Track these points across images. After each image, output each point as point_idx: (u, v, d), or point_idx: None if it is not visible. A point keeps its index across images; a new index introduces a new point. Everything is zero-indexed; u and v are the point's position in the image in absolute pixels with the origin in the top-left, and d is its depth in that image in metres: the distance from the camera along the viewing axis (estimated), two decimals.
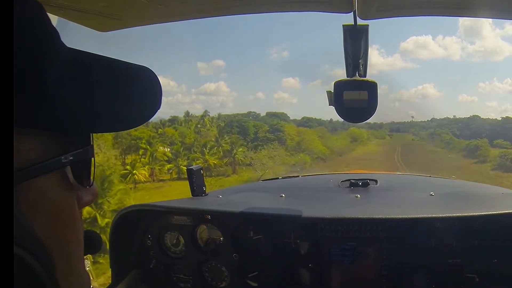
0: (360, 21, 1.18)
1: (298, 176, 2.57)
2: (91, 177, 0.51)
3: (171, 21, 1.12)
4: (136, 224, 1.70)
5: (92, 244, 0.56)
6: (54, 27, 0.43)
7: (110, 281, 1.70)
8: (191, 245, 1.67)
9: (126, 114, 0.49)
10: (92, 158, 0.50)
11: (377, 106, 1.33)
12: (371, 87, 1.34)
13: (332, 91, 1.35)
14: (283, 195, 1.81)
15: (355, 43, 1.24)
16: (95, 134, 0.51)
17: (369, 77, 1.37)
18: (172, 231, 1.71)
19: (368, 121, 1.38)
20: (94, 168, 0.51)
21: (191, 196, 1.86)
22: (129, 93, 0.49)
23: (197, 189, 1.85)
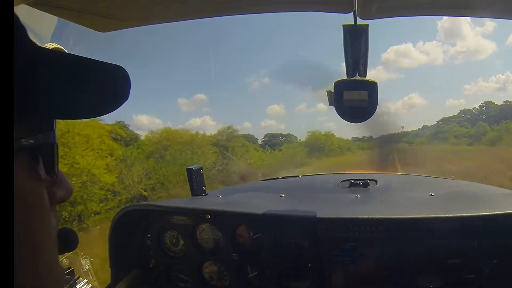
0: (360, 21, 1.18)
1: (298, 176, 2.57)
2: (56, 166, 0.50)
3: (171, 21, 1.12)
4: (135, 223, 1.71)
5: (68, 242, 0.55)
6: (22, 25, 0.43)
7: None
8: (190, 245, 1.67)
9: (90, 103, 0.49)
10: (55, 145, 0.50)
11: (376, 108, 1.33)
12: (371, 87, 1.34)
13: (332, 91, 1.36)
14: (283, 195, 1.82)
15: (355, 43, 1.24)
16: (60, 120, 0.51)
17: None
18: (172, 230, 1.71)
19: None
20: (58, 156, 0.50)
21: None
22: (95, 83, 0.49)
23: (196, 189, 1.85)
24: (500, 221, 1.39)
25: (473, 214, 1.37)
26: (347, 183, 1.98)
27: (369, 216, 1.45)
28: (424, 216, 1.41)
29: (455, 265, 1.44)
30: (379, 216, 1.44)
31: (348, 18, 1.16)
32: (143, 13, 1.03)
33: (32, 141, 0.44)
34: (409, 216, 1.42)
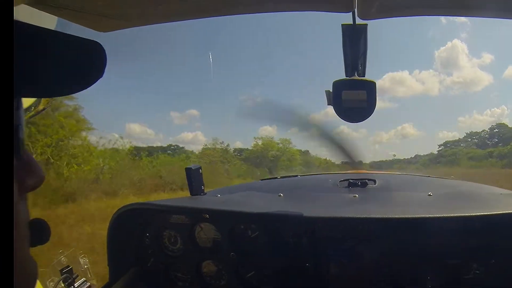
0: (359, 21, 1.18)
1: (296, 175, 2.57)
2: (21, 149, 0.46)
3: (171, 21, 1.11)
4: (134, 222, 1.71)
5: (39, 234, 0.51)
6: None
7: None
8: (189, 244, 1.67)
9: (62, 79, 0.47)
10: (20, 126, 0.45)
11: (375, 108, 1.33)
12: (370, 87, 1.34)
13: (331, 91, 1.35)
14: (282, 195, 1.82)
15: (354, 43, 1.24)
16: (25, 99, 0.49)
17: None
18: (170, 230, 1.71)
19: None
20: (23, 138, 0.46)
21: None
22: (67, 58, 0.47)
23: (195, 188, 1.86)
24: (498, 221, 1.40)
25: (472, 214, 1.37)
26: (346, 183, 1.98)
27: (367, 216, 1.45)
28: (422, 216, 1.41)
29: (453, 265, 1.45)
30: (377, 216, 1.44)
31: (347, 18, 1.16)
32: (144, 13, 1.03)
33: None
34: (407, 216, 1.42)
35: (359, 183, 1.94)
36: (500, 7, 1.17)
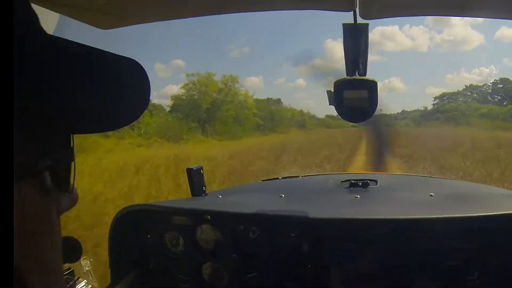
0: (360, 20, 1.18)
1: (298, 176, 2.57)
2: (71, 182, 0.47)
3: (172, 18, 1.11)
4: (136, 224, 1.70)
5: (71, 252, 0.52)
6: (33, 10, 0.38)
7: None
8: (190, 245, 1.67)
9: (112, 112, 0.44)
10: (72, 162, 0.46)
11: (376, 107, 1.33)
12: (371, 86, 1.34)
13: (332, 91, 1.35)
14: (283, 195, 1.81)
15: (355, 42, 1.24)
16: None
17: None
18: (172, 231, 1.71)
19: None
20: (74, 172, 0.47)
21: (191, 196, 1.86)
22: (118, 89, 0.44)
23: (197, 189, 1.85)
24: (500, 222, 1.39)
25: (473, 214, 1.37)
26: (347, 184, 1.98)
27: (368, 217, 1.44)
28: (424, 216, 1.41)
29: (455, 266, 1.44)
30: (379, 217, 1.43)
31: (348, 16, 1.16)
32: (145, 11, 1.03)
33: (48, 162, 0.40)
34: (409, 217, 1.42)
35: (361, 183, 1.94)
36: (501, 7, 1.17)
